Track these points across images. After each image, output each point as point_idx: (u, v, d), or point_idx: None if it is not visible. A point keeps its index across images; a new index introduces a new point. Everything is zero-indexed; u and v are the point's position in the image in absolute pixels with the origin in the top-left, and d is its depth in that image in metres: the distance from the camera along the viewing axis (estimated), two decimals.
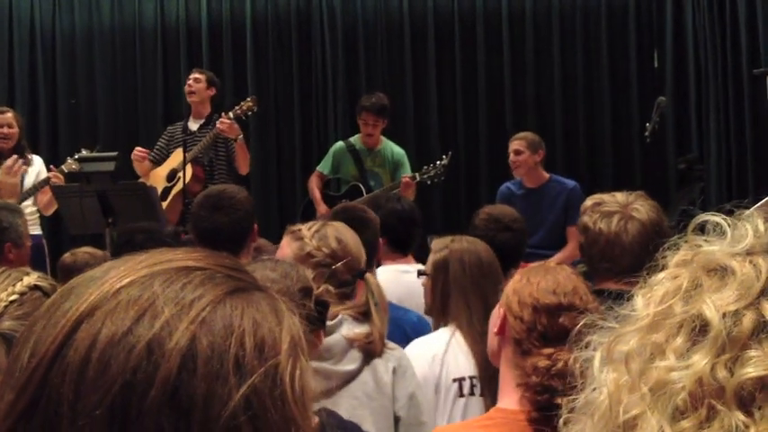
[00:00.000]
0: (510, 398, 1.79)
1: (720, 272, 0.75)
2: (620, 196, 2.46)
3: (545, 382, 1.69)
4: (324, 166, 5.94)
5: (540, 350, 1.73)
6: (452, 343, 2.62)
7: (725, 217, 0.80)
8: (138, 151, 5.63)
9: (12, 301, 1.33)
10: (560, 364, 1.68)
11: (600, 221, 2.40)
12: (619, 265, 2.33)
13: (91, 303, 0.67)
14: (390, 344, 2.42)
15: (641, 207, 2.40)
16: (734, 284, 0.74)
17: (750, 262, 0.75)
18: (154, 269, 0.70)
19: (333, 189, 6.01)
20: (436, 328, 2.81)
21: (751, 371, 0.69)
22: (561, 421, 0.87)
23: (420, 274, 2.98)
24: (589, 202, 2.51)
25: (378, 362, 2.31)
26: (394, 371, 2.33)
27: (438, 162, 5.68)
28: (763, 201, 0.84)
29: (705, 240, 0.79)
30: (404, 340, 2.72)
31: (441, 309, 2.74)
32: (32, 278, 1.38)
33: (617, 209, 2.41)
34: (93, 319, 0.66)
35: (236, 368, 0.66)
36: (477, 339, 2.55)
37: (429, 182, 5.71)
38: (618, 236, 2.35)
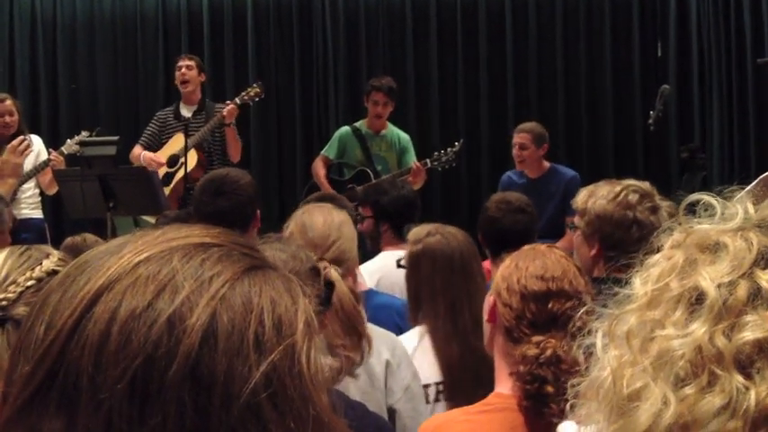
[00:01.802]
0: (505, 384, 1.77)
1: (713, 248, 0.78)
2: (642, 185, 2.46)
3: (534, 371, 1.67)
4: (329, 151, 5.89)
5: (529, 338, 1.71)
6: (420, 347, 2.57)
7: (715, 196, 0.83)
8: (153, 161, 5.61)
9: (28, 287, 1.30)
10: (549, 353, 1.66)
11: (652, 216, 2.40)
12: None
13: (109, 277, 0.67)
14: (383, 332, 2.38)
15: (663, 201, 2.42)
16: (727, 258, 0.76)
17: (741, 236, 0.77)
18: (171, 244, 0.70)
19: (335, 174, 5.98)
20: (412, 325, 2.74)
21: (748, 334, 0.71)
22: (568, 406, 0.88)
23: (399, 265, 2.92)
24: (632, 196, 2.46)
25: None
26: (387, 363, 2.30)
27: (449, 149, 5.66)
28: (753, 183, 0.87)
29: (697, 222, 0.81)
30: (390, 323, 2.69)
31: (414, 307, 2.68)
32: (52, 262, 1.35)
33: (655, 203, 2.42)
34: (113, 292, 0.66)
35: (256, 345, 0.66)
36: (441, 343, 2.51)
37: (440, 168, 5.70)
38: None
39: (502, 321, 1.78)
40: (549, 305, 1.72)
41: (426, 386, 2.51)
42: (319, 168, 5.87)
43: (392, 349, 2.33)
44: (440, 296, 2.58)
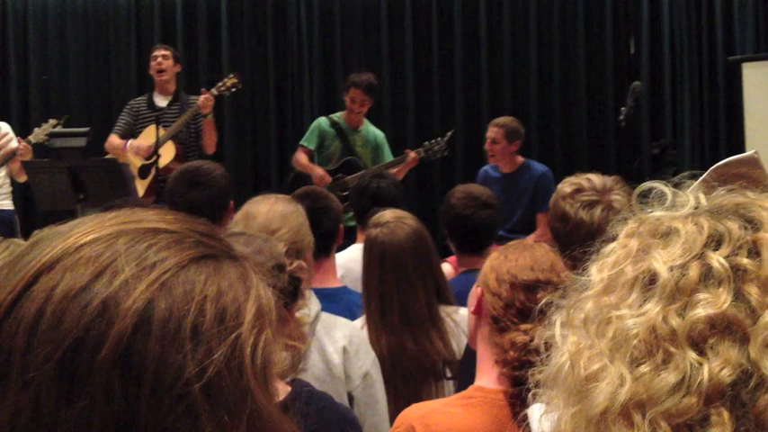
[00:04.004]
0: (488, 377, 1.78)
1: (666, 233, 0.79)
2: (596, 180, 2.42)
3: (522, 358, 1.68)
4: (309, 142, 5.77)
5: (517, 326, 1.72)
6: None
7: (667, 184, 0.85)
8: (140, 148, 5.54)
9: None
10: (537, 340, 1.67)
11: (582, 211, 2.36)
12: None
13: (52, 256, 0.66)
14: (340, 320, 2.39)
15: (619, 197, 2.38)
16: (679, 241, 0.78)
17: (692, 221, 0.79)
18: (121, 228, 0.69)
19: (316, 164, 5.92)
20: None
21: (700, 311, 0.73)
22: (530, 395, 0.89)
23: None
24: (567, 188, 2.44)
25: (326, 342, 2.28)
26: (344, 350, 2.30)
27: (440, 138, 5.67)
28: (707, 173, 0.90)
29: (650, 211, 0.83)
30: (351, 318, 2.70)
31: (363, 295, 2.71)
32: None
33: (597, 198, 2.37)
34: (53, 272, 0.65)
35: (193, 335, 0.64)
36: (372, 335, 2.53)
37: (432, 159, 5.71)
38: (601, 227, 2.28)
39: (489, 311, 1.78)
40: (539, 295, 1.72)
41: None
42: (302, 158, 5.74)
43: (349, 336, 2.33)
44: (374, 289, 2.60)
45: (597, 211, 2.35)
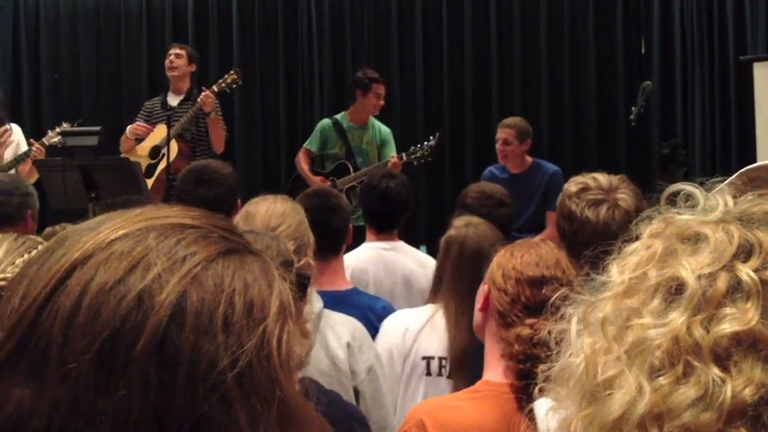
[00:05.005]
0: (495, 371, 1.81)
1: (694, 238, 0.77)
2: (602, 180, 2.43)
3: (528, 351, 1.71)
4: (311, 144, 5.88)
5: (522, 321, 1.75)
6: (431, 323, 2.64)
7: (698, 186, 0.82)
8: (139, 126, 5.59)
9: None
10: (543, 333, 1.70)
11: (587, 210, 2.37)
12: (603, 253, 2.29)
13: (84, 252, 0.68)
14: (341, 316, 2.42)
15: (625, 195, 2.39)
16: (707, 249, 0.75)
17: (722, 228, 0.76)
18: (149, 223, 0.71)
19: (318, 167, 5.97)
20: (429, 303, 2.82)
21: (726, 327, 0.71)
22: (537, 389, 0.88)
23: None
24: (573, 187, 2.45)
25: (330, 337, 2.32)
26: (348, 345, 2.34)
27: (425, 143, 5.66)
28: (734, 176, 0.88)
29: (677, 212, 0.81)
30: (368, 326, 2.70)
31: (435, 286, 2.76)
32: None
33: (603, 196, 2.38)
34: (86, 266, 0.67)
35: (225, 326, 0.67)
36: (455, 324, 2.57)
37: (415, 162, 5.70)
38: (607, 225, 2.33)
39: (495, 307, 1.82)
40: (544, 290, 1.76)
41: (430, 358, 2.61)
42: (302, 161, 5.86)
43: (352, 332, 2.38)
44: (464, 281, 2.62)
45: (603, 210, 2.36)
